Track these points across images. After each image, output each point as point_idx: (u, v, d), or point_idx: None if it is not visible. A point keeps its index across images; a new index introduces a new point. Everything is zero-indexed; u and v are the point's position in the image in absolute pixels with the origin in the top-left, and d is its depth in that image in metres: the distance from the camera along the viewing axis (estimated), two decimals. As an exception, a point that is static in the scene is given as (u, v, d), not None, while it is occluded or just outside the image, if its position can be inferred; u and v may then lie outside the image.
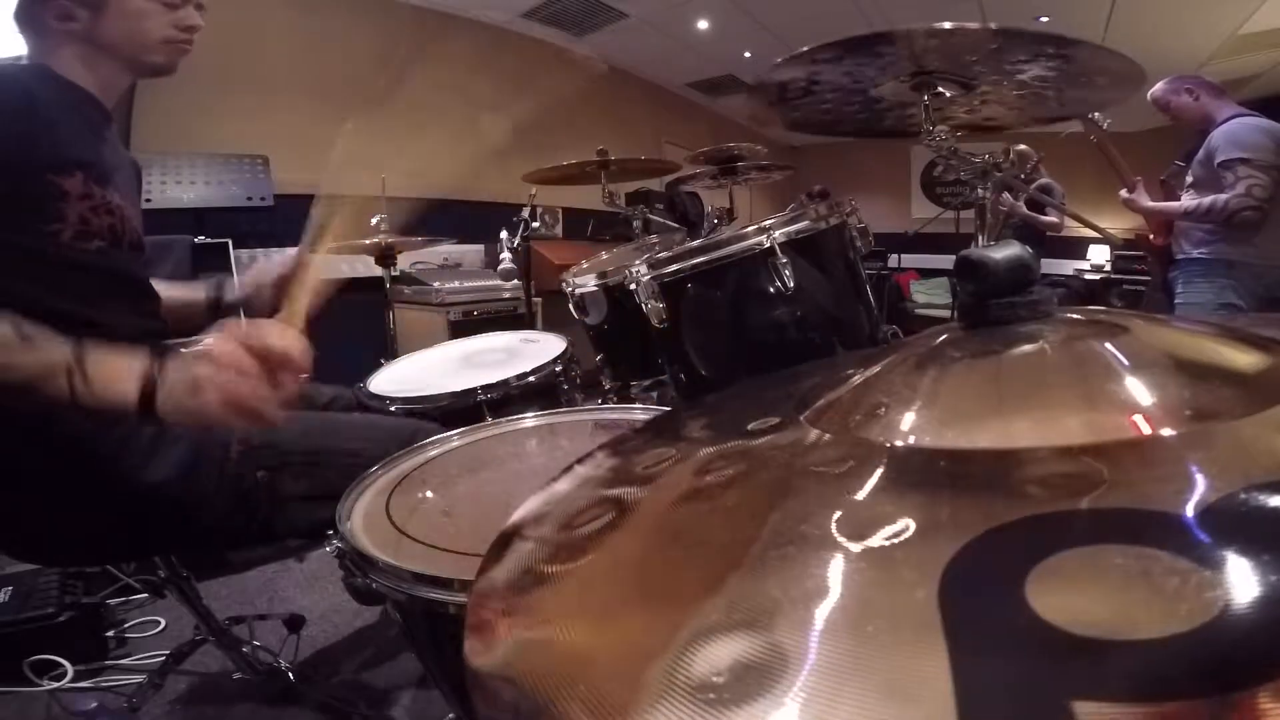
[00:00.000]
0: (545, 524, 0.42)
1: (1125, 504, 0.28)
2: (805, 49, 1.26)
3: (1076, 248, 6.21)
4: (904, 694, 0.22)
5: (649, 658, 0.26)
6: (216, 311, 1.32)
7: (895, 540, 0.29)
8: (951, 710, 0.20)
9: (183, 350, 0.81)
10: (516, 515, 0.43)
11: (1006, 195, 3.18)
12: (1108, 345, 0.38)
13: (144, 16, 1.00)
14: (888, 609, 0.26)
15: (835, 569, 0.29)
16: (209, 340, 0.79)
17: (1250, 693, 0.18)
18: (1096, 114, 2.45)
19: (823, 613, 0.26)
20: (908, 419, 0.38)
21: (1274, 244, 2.33)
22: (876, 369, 0.45)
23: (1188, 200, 2.42)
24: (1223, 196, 2.28)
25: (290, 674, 1.44)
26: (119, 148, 1.09)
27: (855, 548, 0.29)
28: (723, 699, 0.23)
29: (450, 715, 0.97)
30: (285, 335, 0.81)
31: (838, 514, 0.32)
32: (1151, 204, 2.59)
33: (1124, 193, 2.61)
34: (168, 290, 1.23)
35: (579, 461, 0.50)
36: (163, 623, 1.80)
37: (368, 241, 2.28)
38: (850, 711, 0.21)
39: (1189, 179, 2.47)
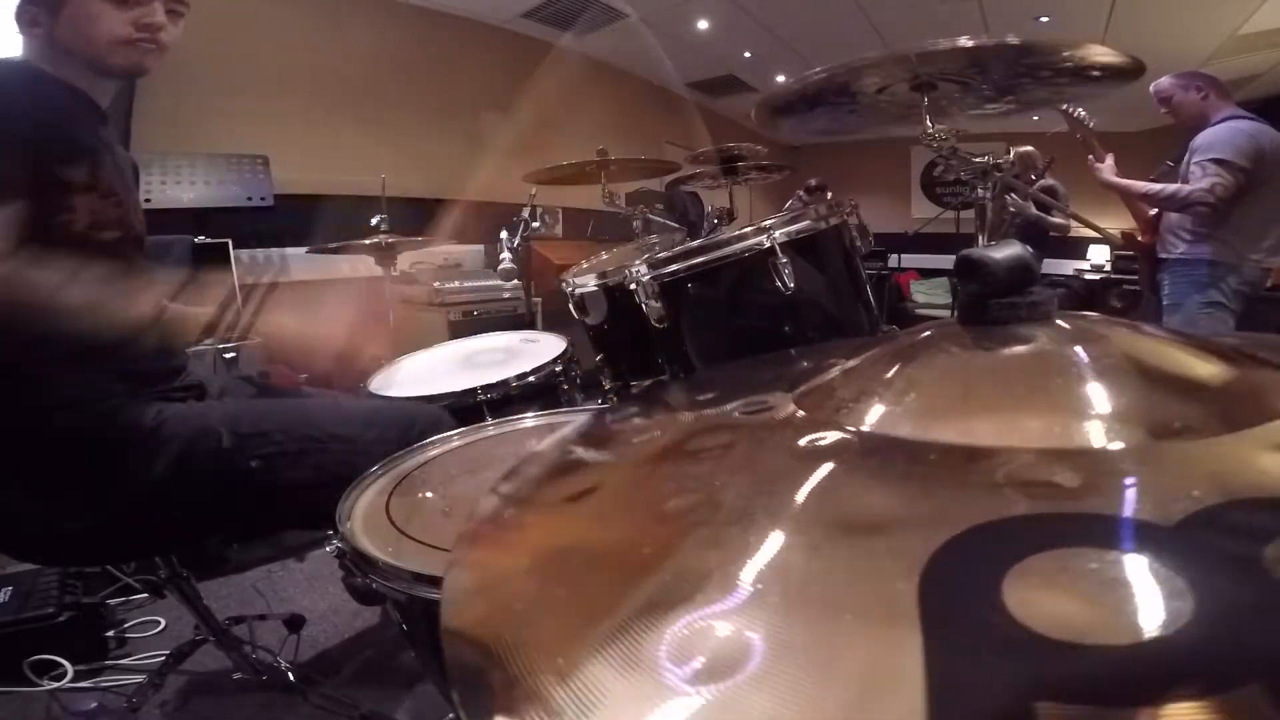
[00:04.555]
0: (519, 481, 0.43)
1: (1103, 511, 0.28)
2: (810, 75, 1.26)
3: (1077, 248, 6.22)
4: (878, 682, 0.22)
5: (601, 619, 0.26)
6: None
7: (868, 528, 0.29)
8: (922, 702, 0.20)
9: None
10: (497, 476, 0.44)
11: (1013, 195, 3.19)
12: (1092, 355, 0.38)
13: (95, 19, 0.96)
14: (867, 598, 0.26)
15: (812, 552, 0.29)
16: None
17: (1209, 703, 0.18)
18: (1080, 111, 2.45)
19: (788, 594, 0.26)
20: (890, 409, 0.39)
21: (1255, 244, 2.36)
22: (863, 358, 0.46)
23: (1152, 184, 2.43)
24: (1186, 187, 2.31)
25: (290, 674, 1.44)
26: (116, 146, 1.09)
27: (826, 531, 0.29)
28: (699, 679, 0.23)
29: (450, 715, 0.97)
30: None
31: (812, 496, 0.32)
32: (1114, 178, 2.59)
33: (1091, 159, 2.61)
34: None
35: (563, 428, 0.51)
36: (163, 623, 1.80)
37: (368, 241, 2.28)
38: (824, 696, 0.22)
39: (1179, 180, 2.48)
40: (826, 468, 0.34)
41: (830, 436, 0.37)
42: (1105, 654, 0.21)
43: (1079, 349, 0.38)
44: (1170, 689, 0.19)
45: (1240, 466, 0.31)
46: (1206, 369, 0.40)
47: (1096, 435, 0.33)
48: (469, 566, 0.34)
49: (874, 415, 0.38)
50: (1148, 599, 0.23)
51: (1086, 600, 0.24)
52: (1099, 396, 0.35)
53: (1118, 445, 0.32)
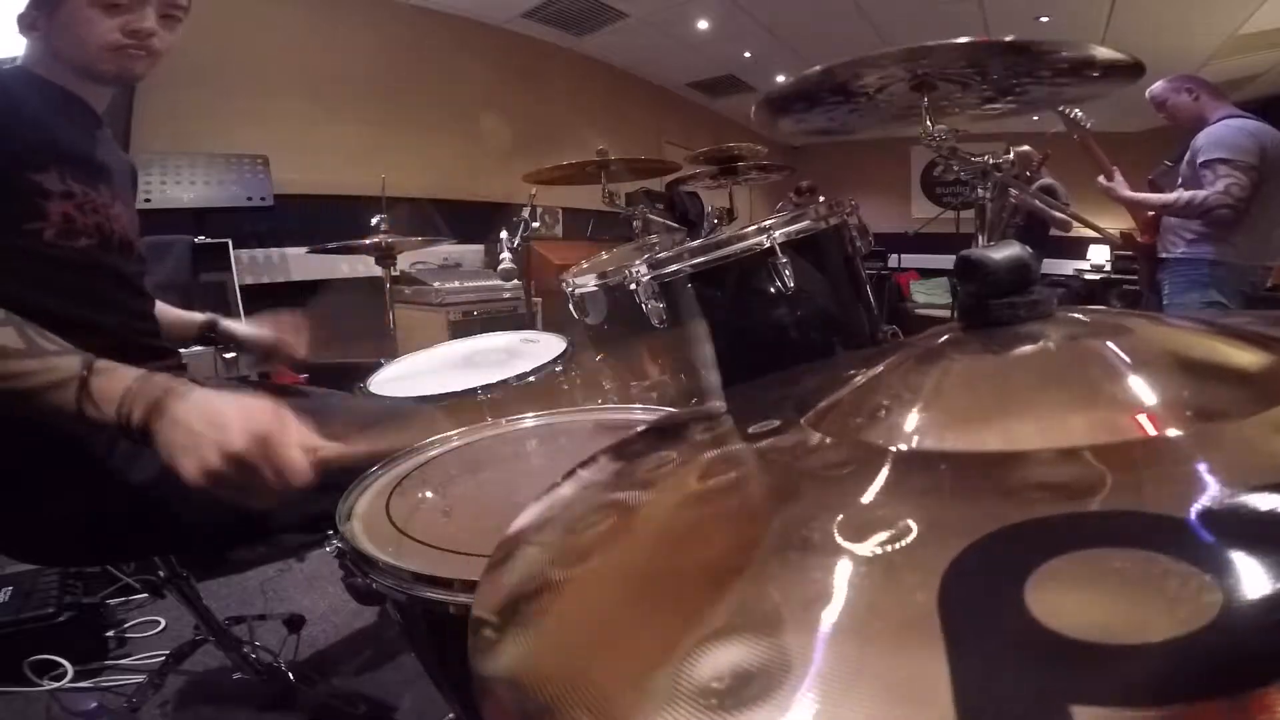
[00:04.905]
0: (549, 529, 0.42)
1: (1126, 506, 0.28)
2: (809, 71, 1.26)
3: (1076, 248, 6.22)
4: (905, 699, 0.22)
5: (653, 664, 0.26)
6: (207, 340, 1.33)
7: (898, 544, 0.29)
8: (952, 715, 0.20)
9: (196, 390, 0.77)
10: (520, 520, 0.43)
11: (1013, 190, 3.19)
12: (1110, 344, 0.38)
13: (86, 24, 0.95)
14: (890, 613, 0.26)
15: (838, 574, 0.29)
16: (231, 397, 0.75)
17: (1247, 697, 0.18)
18: (1077, 111, 2.46)
19: (826, 618, 0.26)
20: (909, 421, 0.38)
21: (1255, 244, 2.36)
22: (877, 370, 0.45)
23: (1167, 194, 2.44)
24: (1201, 193, 2.31)
25: (290, 674, 1.44)
26: (113, 149, 1.09)
27: (858, 551, 0.29)
28: (726, 705, 0.23)
29: (450, 715, 0.97)
30: (300, 440, 0.76)
31: (840, 518, 0.32)
32: (1130, 193, 2.61)
33: (1102, 179, 2.62)
34: (165, 311, 1.22)
35: (582, 465, 0.50)
36: (163, 623, 1.80)
37: (368, 241, 2.28)
38: (852, 717, 0.21)
39: (1179, 180, 2.48)
40: (857, 488, 0.34)
41: (857, 457, 0.37)
42: (1138, 653, 0.21)
43: (1086, 346, 0.38)
44: (1206, 685, 0.19)
45: (1265, 452, 0.30)
46: (1231, 352, 0.39)
47: (1128, 428, 0.33)
48: (514, 629, 0.33)
49: (901, 430, 0.38)
50: (1177, 594, 0.22)
51: (1114, 600, 0.23)
52: (1108, 392, 0.35)
53: (1142, 437, 0.32)
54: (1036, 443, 0.33)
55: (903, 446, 0.36)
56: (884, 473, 0.34)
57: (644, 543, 0.38)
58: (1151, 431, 0.32)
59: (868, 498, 0.33)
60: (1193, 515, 0.26)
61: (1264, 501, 0.26)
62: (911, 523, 0.30)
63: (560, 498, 0.46)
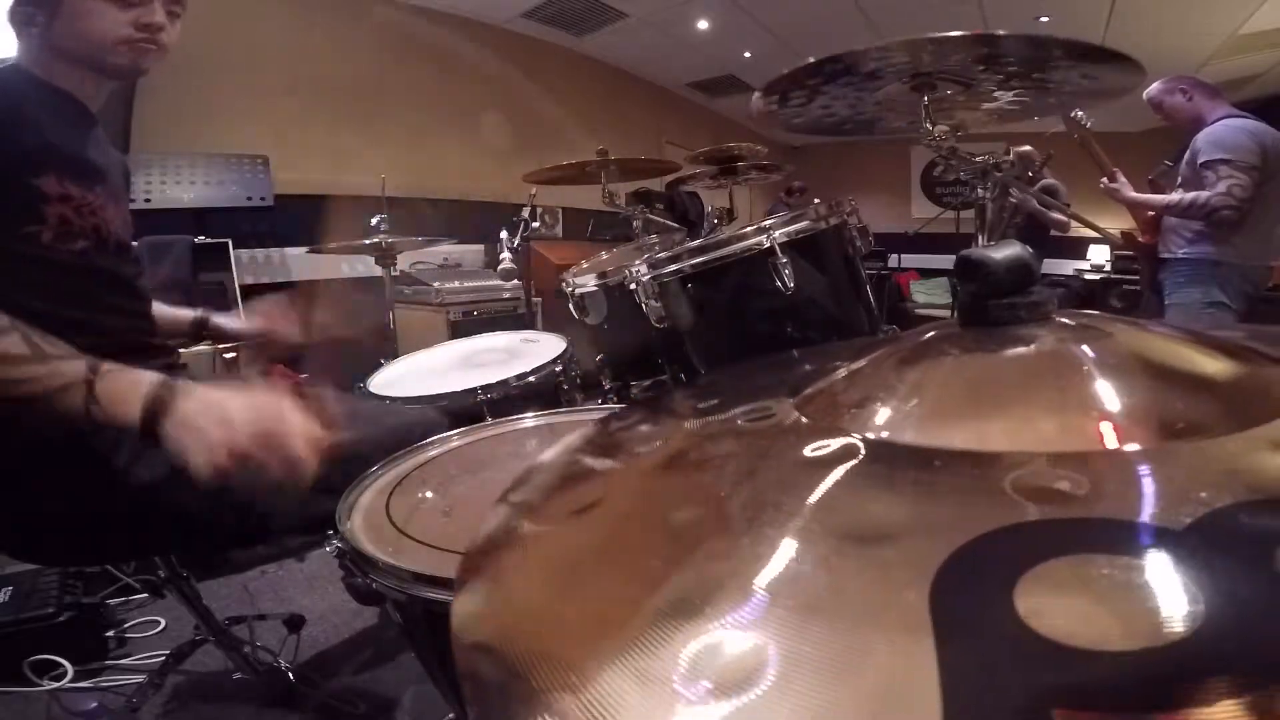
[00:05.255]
0: (528, 490, 0.43)
1: (1113, 515, 0.28)
2: (808, 61, 1.26)
3: (1076, 248, 6.22)
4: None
5: (615, 631, 0.26)
6: (199, 336, 1.33)
7: (877, 536, 0.29)
8: (937, 713, 0.20)
9: (200, 387, 0.78)
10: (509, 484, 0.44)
11: (1014, 190, 3.19)
12: (1100, 353, 0.38)
13: (95, 16, 0.94)
14: (872, 606, 0.26)
15: (813, 559, 0.29)
16: (234, 393, 0.76)
17: (1225, 706, 0.18)
18: (1079, 112, 2.46)
19: (800, 605, 0.26)
20: (896, 414, 0.39)
21: (1256, 243, 2.36)
22: (866, 362, 0.46)
23: (1171, 196, 2.44)
24: (1204, 194, 2.31)
25: (290, 674, 1.44)
26: (106, 149, 1.09)
27: (835, 540, 0.29)
28: (693, 685, 0.23)
29: (450, 715, 0.97)
30: (305, 433, 0.77)
31: (820, 505, 0.32)
32: (1133, 194, 2.61)
33: (1104, 181, 2.62)
34: (157, 310, 1.23)
35: (570, 435, 0.51)
36: (163, 623, 1.80)
37: (368, 242, 2.28)
38: (831, 706, 0.22)
39: (1179, 180, 2.48)
40: (833, 476, 0.34)
41: (835, 444, 0.37)
42: (1120, 660, 0.21)
43: (1084, 348, 0.38)
44: (1186, 693, 0.19)
45: (1249, 465, 0.31)
46: (1214, 365, 0.39)
47: (1105, 436, 0.33)
48: (482, 579, 0.34)
49: (879, 420, 0.38)
50: (1161, 603, 0.22)
51: (1100, 606, 0.23)
52: (1107, 396, 0.35)
53: (1127, 446, 0.32)
54: (1003, 445, 0.33)
55: (888, 437, 0.37)
56: (867, 463, 0.35)
57: (619, 511, 0.39)
58: (1139, 443, 0.32)
59: (849, 488, 0.34)
60: (1179, 528, 0.26)
61: (1245, 518, 0.26)
62: (893, 516, 0.30)
63: (544, 462, 0.47)
